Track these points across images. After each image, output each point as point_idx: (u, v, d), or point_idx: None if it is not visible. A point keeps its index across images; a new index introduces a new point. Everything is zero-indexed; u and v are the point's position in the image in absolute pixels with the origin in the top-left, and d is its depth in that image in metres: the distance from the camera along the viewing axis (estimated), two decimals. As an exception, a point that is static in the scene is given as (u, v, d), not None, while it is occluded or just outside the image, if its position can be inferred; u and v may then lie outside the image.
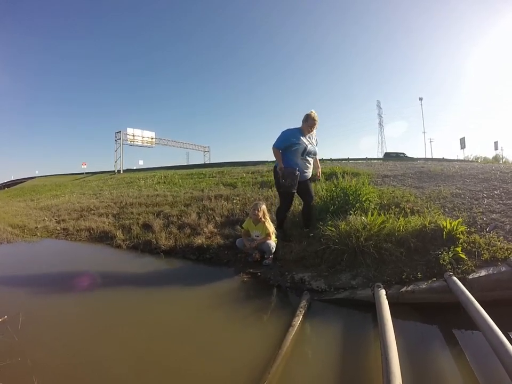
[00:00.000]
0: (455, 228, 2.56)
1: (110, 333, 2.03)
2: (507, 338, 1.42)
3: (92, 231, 4.88)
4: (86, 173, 27.31)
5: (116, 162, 27.01)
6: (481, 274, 2.11)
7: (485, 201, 3.36)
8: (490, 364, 1.48)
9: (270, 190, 5.60)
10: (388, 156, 27.14)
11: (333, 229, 2.86)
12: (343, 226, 2.83)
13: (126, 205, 6.37)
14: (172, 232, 4.15)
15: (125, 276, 3.13)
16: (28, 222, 6.07)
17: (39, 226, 5.65)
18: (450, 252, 2.32)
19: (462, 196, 3.72)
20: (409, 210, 3.31)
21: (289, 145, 3.19)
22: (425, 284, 2.16)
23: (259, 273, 2.87)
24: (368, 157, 23.06)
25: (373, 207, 3.43)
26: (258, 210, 3.08)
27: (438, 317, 2.02)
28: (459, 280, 2.06)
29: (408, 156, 26.76)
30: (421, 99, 42.78)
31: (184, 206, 5.37)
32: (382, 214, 2.96)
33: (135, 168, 30.23)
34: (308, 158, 3.30)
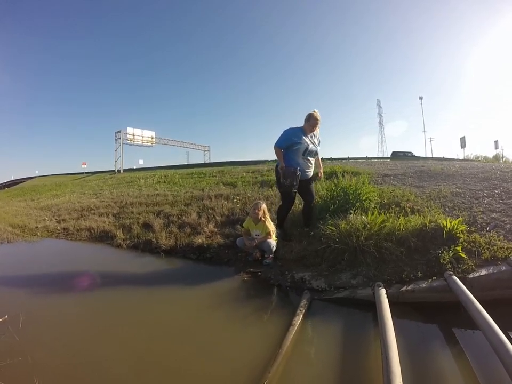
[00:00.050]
0: (455, 227, 2.56)
1: (110, 333, 2.03)
2: (507, 338, 1.41)
3: (92, 231, 4.89)
4: (86, 173, 27.29)
5: (116, 161, 27.00)
6: (481, 274, 2.10)
7: (485, 201, 3.36)
8: (491, 363, 1.48)
9: (270, 189, 5.60)
10: (395, 155, 26.98)
11: (333, 228, 2.86)
12: (343, 225, 2.82)
13: (126, 204, 6.37)
14: (172, 232, 4.16)
15: (125, 276, 3.13)
16: (28, 221, 6.07)
17: (39, 226, 5.66)
18: (450, 251, 2.32)
19: (462, 195, 3.72)
20: (409, 210, 3.31)
21: (290, 144, 3.19)
22: (426, 283, 2.16)
23: (259, 273, 2.87)
24: (368, 156, 23.01)
25: (373, 206, 3.42)
26: (258, 210, 3.08)
27: (438, 316, 2.02)
28: (459, 279, 2.06)
29: (415, 155, 26.76)
30: (421, 98, 42.74)
31: (184, 206, 5.37)
32: (382, 213, 2.96)
33: (135, 167, 30.27)
34: (309, 157, 3.30)
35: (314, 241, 3.02)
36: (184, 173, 12.38)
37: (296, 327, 1.90)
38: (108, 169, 28.45)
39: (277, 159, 3.32)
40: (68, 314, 2.30)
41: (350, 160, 15.69)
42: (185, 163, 32.41)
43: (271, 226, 3.12)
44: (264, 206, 3.16)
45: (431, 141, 63.55)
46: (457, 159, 19.74)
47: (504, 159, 24.25)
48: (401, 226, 2.72)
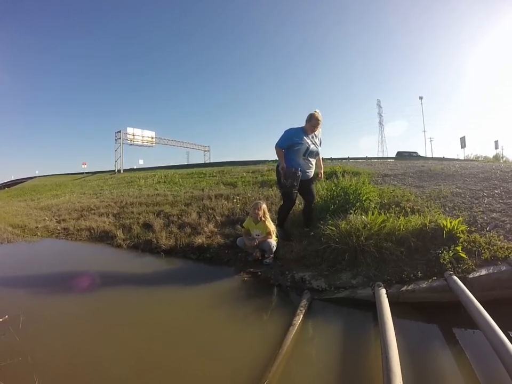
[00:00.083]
0: (455, 227, 2.56)
1: (110, 333, 2.03)
2: (507, 338, 1.41)
3: (92, 231, 4.89)
4: (86, 173, 27.29)
5: (116, 161, 27.00)
6: (481, 274, 2.10)
7: (485, 200, 3.36)
8: (491, 363, 1.48)
9: (270, 189, 5.60)
10: (400, 155, 26.80)
11: (334, 228, 2.86)
12: (343, 225, 2.82)
13: (126, 204, 6.37)
14: (172, 232, 4.16)
15: (125, 276, 3.13)
16: (28, 221, 6.08)
17: (39, 226, 5.66)
18: (450, 251, 2.32)
19: (463, 195, 3.72)
20: (409, 210, 3.31)
21: (292, 145, 3.19)
22: (426, 283, 2.16)
23: (259, 273, 2.87)
24: (368, 156, 22.96)
25: (373, 206, 3.42)
26: (258, 209, 3.08)
27: (438, 316, 2.02)
28: (459, 279, 2.06)
29: (420, 155, 26.70)
30: (421, 98, 42.69)
31: (184, 206, 5.37)
32: (383, 213, 2.96)
33: (135, 167, 30.27)
34: (310, 158, 3.30)
35: (315, 241, 3.02)
36: (184, 173, 12.38)
37: (296, 327, 1.90)
38: (108, 169, 28.46)
39: (277, 159, 3.33)
40: (68, 314, 2.30)
41: (350, 160, 15.69)
42: (185, 163, 32.45)
43: (271, 226, 3.12)
44: (264, 205, 3.16)
45: (431, 140, 63.89)
46: (457, 159, 19.74)
47: (504, 159, 24.27)
48: (401, 226, 2.72)
